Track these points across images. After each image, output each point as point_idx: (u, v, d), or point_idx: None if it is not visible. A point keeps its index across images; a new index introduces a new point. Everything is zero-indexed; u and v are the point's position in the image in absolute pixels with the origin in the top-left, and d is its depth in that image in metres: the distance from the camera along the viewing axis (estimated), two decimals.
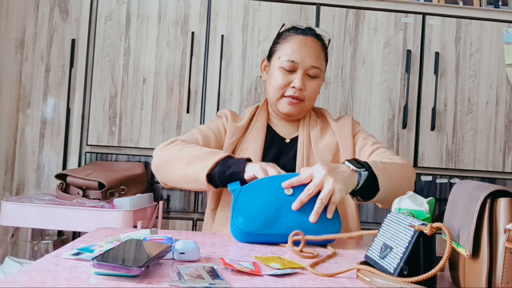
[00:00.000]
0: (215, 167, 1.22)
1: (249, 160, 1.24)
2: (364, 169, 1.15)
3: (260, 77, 1.56)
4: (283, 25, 1.52)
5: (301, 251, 0.96)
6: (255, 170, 1.17)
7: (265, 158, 1.44)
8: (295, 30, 1.45)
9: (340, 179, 1.09)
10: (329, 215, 1.07)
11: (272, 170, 1.16)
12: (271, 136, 1.49)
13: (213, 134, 1.45)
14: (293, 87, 1.39)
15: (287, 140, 1.48)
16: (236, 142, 1.46)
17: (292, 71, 1.40)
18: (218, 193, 1.43)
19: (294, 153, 1.45)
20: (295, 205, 1.07)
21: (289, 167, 1.41)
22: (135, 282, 0.69)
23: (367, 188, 1.16)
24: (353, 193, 1.17)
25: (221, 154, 1.24)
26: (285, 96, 1.42)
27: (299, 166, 1.40)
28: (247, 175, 1.18)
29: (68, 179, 1.89)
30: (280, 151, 1.46)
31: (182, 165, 1.27)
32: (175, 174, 1.29)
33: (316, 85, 1.43)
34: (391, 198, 1.05)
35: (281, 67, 1.41)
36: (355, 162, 1.17)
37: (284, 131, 1.50)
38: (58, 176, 1.93)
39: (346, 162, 1.17)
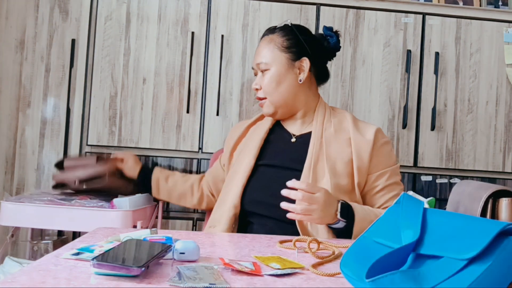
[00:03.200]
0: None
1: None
2: (345, 222, 1.23)
3: None
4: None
5: (314, 253, 0.95)
6: None
7: (261, 155, 1.47)
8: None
9: (323, 216, 1.18)
10: (291, 215, 1.17)
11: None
12: (279, 133, 1.52)
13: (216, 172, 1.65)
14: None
15: (293, 139, 1.48)
16: (234, 149, 1.56)
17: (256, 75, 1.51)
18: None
19: (302, 153, 1.41)
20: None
21: (295, 167, 1.39)
22: (135, 282, 0.69)
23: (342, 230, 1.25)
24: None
25: None
26: None
27: (307, 168, 1.37)
28: None
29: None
30: (285, 149, 1.46)
31: None
32: None
33: (268, 78, 1.46)
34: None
35: None
36: (346, 211, 1.23)
37: (294, 128, 1.51)
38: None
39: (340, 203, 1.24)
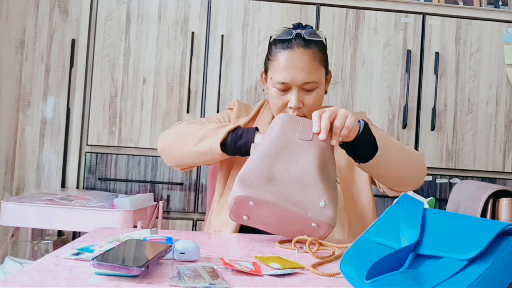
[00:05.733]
0: (226, 137, 1.26)
1: (257, 129, 1.28)
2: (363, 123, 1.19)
3: (263, 89, 1.51)
4: (271, 37, 1.44)
5: (314, 253, 0.95)
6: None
7: None
8: (281, 44, 1.37)
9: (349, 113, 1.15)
10: (334, 141, 1.12)
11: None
12: None
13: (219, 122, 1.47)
14: (291, 107, 1.35)
15: None
16: None
17: (286, 89, 1.36)
18: (220, 195, 1.42)
19: None
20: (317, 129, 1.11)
21: None
22: (135, 282, 0.69)
23: (366, 145, 1.18)
24: (353, 152, 1.20)
25: (231, 126, 1.28)
26: None
27: None
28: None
29: None
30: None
31: (193, 141, 1.30)
32: (186, 150, 1.32)
33: (315, 97, 1.38)
34: (394, 176, 1.20)
35: (274, 88, 1.37)
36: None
37: None
38: None
39: None
